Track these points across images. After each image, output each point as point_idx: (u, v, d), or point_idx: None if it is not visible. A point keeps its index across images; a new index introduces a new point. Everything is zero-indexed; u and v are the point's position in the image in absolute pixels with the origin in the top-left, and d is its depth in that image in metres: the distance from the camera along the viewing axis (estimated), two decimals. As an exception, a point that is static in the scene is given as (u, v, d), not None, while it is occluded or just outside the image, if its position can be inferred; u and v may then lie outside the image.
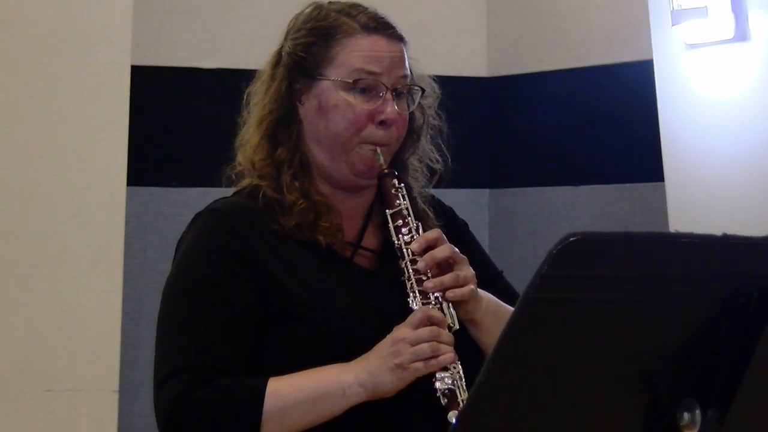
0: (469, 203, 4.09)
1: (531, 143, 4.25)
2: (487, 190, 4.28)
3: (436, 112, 2.30)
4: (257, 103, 2.25)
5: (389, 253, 2.17)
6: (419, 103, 2.24)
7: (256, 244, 2.13)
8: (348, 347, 2.07)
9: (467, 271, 2.14)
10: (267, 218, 2.17)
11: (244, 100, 2.28)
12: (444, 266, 2.13)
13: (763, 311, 1.48)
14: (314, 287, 2.13)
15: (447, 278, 2.11)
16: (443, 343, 2.03)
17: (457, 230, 2.32)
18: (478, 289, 2.16)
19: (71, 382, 3.36)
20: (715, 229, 1.46)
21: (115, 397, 3.39)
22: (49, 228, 3.36)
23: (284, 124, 2.21)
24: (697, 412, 1.49)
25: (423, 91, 2.23)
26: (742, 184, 3.42)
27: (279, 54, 2.25)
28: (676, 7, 3.46)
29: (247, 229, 2.15)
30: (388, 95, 2.16)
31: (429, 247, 2.13)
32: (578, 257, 1.36)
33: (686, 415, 1.49)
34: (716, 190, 3.47)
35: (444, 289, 2.10)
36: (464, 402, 2.01)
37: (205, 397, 2.04)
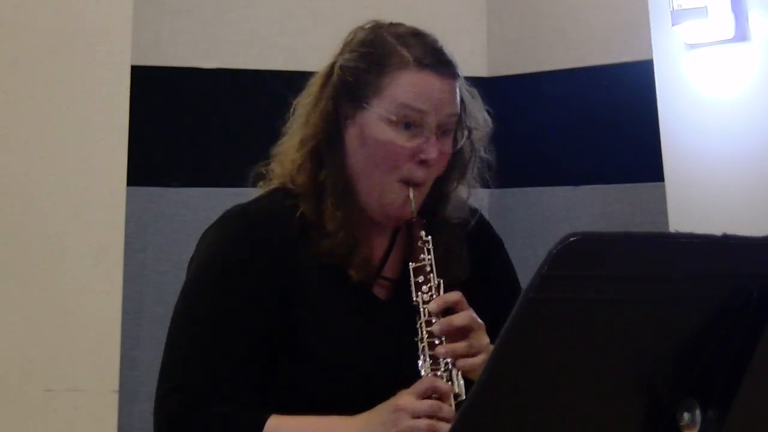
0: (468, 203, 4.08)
1: (531, 143, 4.25)
2: (487, 190, 4.28)
3: (485, 148, 2.25)
4: (301, 116, 2.20)
5: (407, 282, 2.13)
6: (469, 137, 2.20)
7: (280, 265, 2.10)
8: (352, 385, 2.07)
9: (482, 339, 2.10)
10: (299, 237, 2.13)
11: (291, 110, 2.22)
12: (461, 331, 2.09)
13: (763, 311, 1.48)
14: (327, 322, 2.11)
15: (459, 347, 2.07)
16: (443, 418, 2.00)
17: (488, 252, 2.30)
18: None
19: (71, 382, 3.36)
20: (715, 229, 1.46)
21: (115, 397, 3.39)
22: (49, 228, 3.36)
23: (330, 145, 2.16)
24: (697, 412, 1.49)
25: (470, 131, 2.19)
26: (742, 184, 3.42)
27: (331, 68, 2.19)
28: (676, 7, 3.46)
29: (275, 246, 2.11)
30: (432, 136, 2.11)
31: (447, 309, 2.09)
32: (578, 257, 1.36)
33: (686, 415, 1.49)
34: (716, 190, 3.46)
35: (455, 357, 2.07)
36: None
37: (203, 422, 2.03)
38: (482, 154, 2.25)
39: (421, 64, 2.11)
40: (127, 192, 3.45)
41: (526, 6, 4.23)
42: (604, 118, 4.02)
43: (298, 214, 2.14)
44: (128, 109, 3.43)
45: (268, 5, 3.97)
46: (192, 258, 2.17)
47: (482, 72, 4.29)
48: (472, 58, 4.27)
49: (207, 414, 2.03)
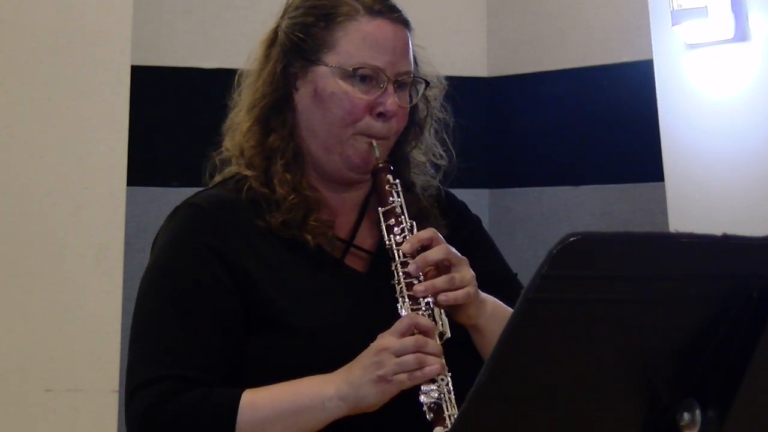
0: (469, 203, 4.08)
1: (531, 143, 4.25)
2: (487, 190, 4.28)
3: (441, 104, 2.17)
4: (249, 85, 2.12)
5: (385, 254, 2.02)
6: (424, 94, 2.11)
7: (238, 245, 2.00)
8: (333, 360, 1.94)
9: (465, 273, 1.98)
10: (251, 215, 2.03)
11: (235, 81, 2.15)
12: (441, 269, 1.98)
13: (763, 311, 1.48)
14: (299, 295, 2.00)
15: (439, 281, 1.96)
16: (430, 353, 1.89)
17: (467, 228, 2.20)
18: (483, 293, 2.02)
19: (71, 382, 3.35)
20: (715, 229, 1.46)
21: (115, 397, 3.39)
22: (49, 228, 3.36)
23: (278, 109, 2.07)
24: (697, 412, 1.49)
25: (427, 83, 2.10)
26: (742, 184, 3.42)
27: (275, 32, 2.12)
28: (676, 7, 3.46)
29: (229, 227, 2.02)
30: (390, 87, 2.02)
31: (423, 248, 1.98)
32: (578, 257, 1.36)
33: (686, 415, 1.49)
34: (716, 190, 3.47)
35: (436, 293, 1.95)
36: (456, 412, 1.90)
37: (177, 410, 1.93)
38: (437, 113, 2.17)
39: (372, 12, 2.03)
40: (127, 192, 3.45)
41: (526, 6, 4.23)
42: (604, 118, 4.03)
43: (245, 190, 2.04)
44: (128, 109, 3.42)
45: (268, 5, 3.96)
46: (149, 258, 2.09)
47: (482, 72, 4.30)
48: (472, 58, 4.27)
49: (179, 401, 1.93)
